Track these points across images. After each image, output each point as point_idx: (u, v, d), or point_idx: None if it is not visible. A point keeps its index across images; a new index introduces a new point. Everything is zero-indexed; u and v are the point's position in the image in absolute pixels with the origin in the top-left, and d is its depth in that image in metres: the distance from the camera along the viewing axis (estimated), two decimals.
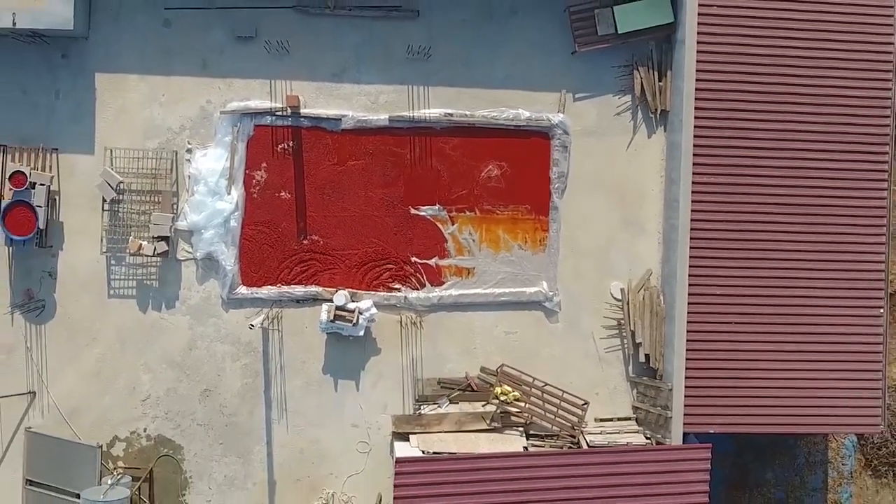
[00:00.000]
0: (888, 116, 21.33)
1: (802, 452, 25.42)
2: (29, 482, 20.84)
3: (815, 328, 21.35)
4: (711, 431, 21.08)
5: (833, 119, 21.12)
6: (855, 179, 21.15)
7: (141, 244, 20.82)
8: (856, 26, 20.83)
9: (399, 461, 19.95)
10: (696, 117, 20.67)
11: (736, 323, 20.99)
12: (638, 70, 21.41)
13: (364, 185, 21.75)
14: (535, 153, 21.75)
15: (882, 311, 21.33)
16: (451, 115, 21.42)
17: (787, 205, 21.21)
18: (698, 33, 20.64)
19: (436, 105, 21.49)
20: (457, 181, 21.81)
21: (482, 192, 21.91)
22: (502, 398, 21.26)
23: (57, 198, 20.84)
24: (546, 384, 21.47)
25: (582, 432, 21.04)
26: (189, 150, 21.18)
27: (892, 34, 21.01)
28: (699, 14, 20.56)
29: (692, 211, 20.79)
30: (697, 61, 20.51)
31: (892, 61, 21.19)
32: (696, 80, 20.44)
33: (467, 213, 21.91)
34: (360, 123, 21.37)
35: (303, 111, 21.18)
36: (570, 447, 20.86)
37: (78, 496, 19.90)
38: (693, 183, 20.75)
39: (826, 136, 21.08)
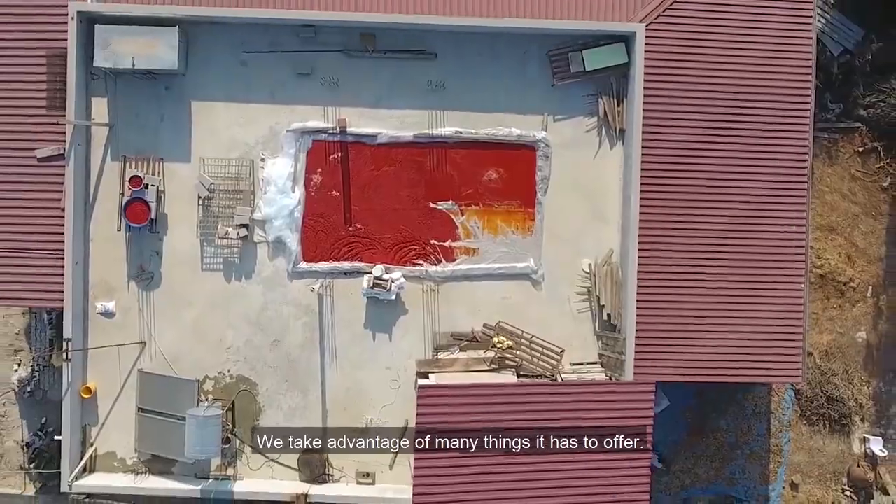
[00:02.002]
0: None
1: (750, 405, 26.54)
2: (141, 409, 22.76)
3: (745, 298, 22.67)
4: (660, 381, 22.39)
5: (756, 137, 22.66)
6: (778, 174, 22.68)
7: (227, 230, 22.42)
8: (777, 62, 22.60)
9: (421, 387, 21.92)
10: (643, 133, 22.26)
11: (678, 291, 22.52)
12: (602, 98, 22.88)
13: (395, 185, 23.06)
14: (524, 161, 23.08)
15: (803, 284, 22.74)
16: (460, 132, 22.85)
17: (722, 195, 22.68)
18: (645, 72, 22.27)
19: (449, 125, 22.90)
20: (465, 182, 23.14)
21: (484, 191, 23.22)
22: (499, 346, 22.68)
23: (163, 195, 22.62)
24: (533, 336, 23.00)
25: (559, 373, 22.72)
26: (262, 159, 22.71)
27: (810, 65, 22.71)
28: (646, 57, 22.16)
29: (641, 205, 22.30)
30: (644, 92, 22.23)
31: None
32: (643, 105, 22.22)
33: (473, 206, 23.26)
34: (392, 139, 22.83)
35: (349, 130, 22.63)
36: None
37: (180, 419, 21.88)
38: (641, 183, 22.32)
39: (750, 150, 22.61)
